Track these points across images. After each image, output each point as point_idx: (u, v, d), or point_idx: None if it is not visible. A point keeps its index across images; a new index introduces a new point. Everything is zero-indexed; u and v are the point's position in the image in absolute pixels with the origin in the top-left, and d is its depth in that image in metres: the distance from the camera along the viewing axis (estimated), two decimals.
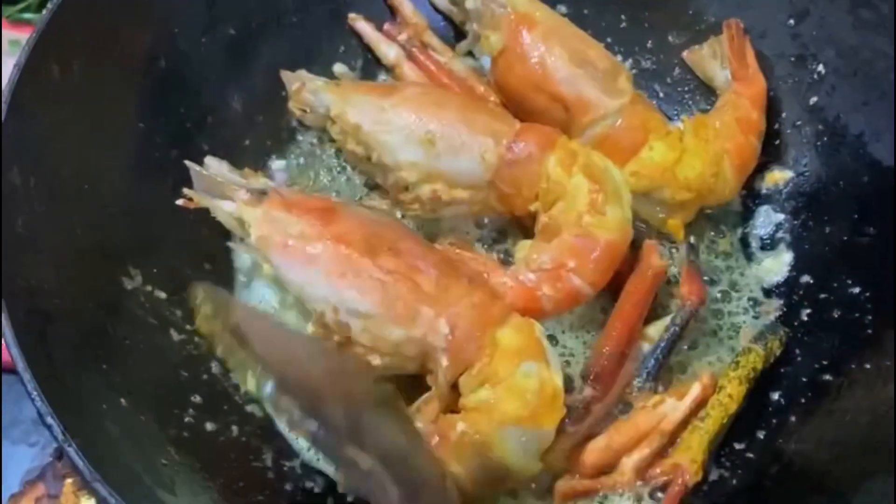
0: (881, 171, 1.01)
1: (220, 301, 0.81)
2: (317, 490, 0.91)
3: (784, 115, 1.12)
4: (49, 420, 0.71)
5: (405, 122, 0.99)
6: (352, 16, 1.18)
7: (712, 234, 1.11)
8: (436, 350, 0.86)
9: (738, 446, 0.96)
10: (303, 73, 1.08)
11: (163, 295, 0.98)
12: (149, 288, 0.97)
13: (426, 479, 0.79)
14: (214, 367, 0.97)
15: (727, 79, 1.13)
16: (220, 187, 0.94)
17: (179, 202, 0.95)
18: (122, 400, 0.84)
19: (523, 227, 1.05)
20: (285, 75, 1.07)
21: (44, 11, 0.91)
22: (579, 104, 1.04)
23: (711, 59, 1.16)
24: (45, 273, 0.84)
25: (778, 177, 1.12)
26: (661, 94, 1.21)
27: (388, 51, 1.15)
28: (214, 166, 1.00)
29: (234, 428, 0.93)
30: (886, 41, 1.01)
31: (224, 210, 0.93)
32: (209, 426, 0.91)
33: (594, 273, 0.95)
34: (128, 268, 0.95)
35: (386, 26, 1.19)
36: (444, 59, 1.16)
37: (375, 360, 0.87)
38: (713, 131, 1.07)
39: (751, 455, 0.95)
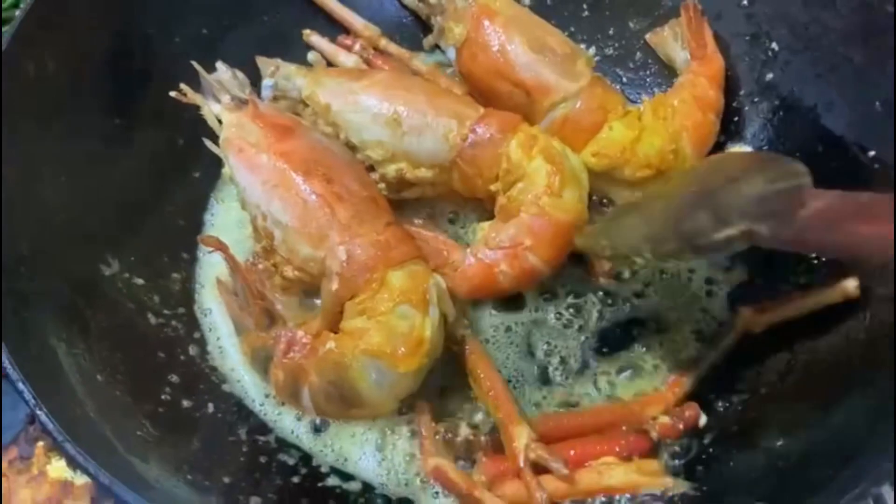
0: (834, 140, 1.04)
1: None
2: (290, 462, 0.94)
3: (741, 92, 1.15)
4: (20, 386, 0.75)
5: (373, 103, 1.04)
6: (306, 32, 1.22)
7: None
8: (331, 273, 0.93)
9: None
10: (277, 59, 1.13)
11: (140, 281, 1.02)
12: (126, 275, 1.01)
13: None
14: (192, 349, 1.01)
15: (687, 59, 1.16)
16: (213, 91, 1.06)
17: (172, 94, 1.03)
18: (98, 376, 0.88)
19: (478, 210, 1.10)
20: (260, 60, 1.12)
21: (17, 10, 0.95)
22: (540, 88, 1.08)
23: (672, 41, 1.19)
24: (22, 257, 0.88)
25: (737, 151, 1.14)
26: (625, 79, 1.24)
27: (347, 60, 1.19)
28: (221, 70, 1.07)
29: (210, 405, 0.96)
30: (833, 16, 1.04)
31: (209, 109, 1.05)
32: (185, 403, 0.94)
33: (550, 251, 1.00)
34: (105, 255, 0.99)
35: (339, 38, 1.23)
36: (403, 60, 1.21)
37: (288, 272, 0.96)
38: (672, 109, 1.10)
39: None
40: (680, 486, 0.90)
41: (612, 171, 1.07)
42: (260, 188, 0.97)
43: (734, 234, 0.79)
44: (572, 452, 0.91)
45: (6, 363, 0.76)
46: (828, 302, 0.94)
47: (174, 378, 0.96)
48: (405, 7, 1.26)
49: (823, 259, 1.00)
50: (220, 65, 1.08)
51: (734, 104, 1.16)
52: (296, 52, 1.21)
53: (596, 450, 0.92)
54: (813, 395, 0.91)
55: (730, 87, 1.15)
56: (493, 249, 1.01)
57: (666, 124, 1.09)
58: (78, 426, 0.77)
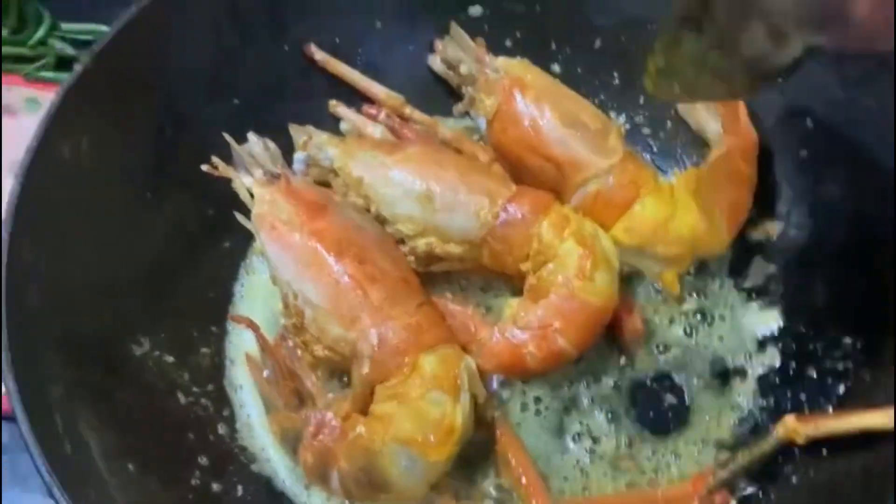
0: (870, 224, 1.02)
1: None
2: None
3: (774, 168, 1.14)
4: (56, 493, 0.75)
5: (405, 178, 1.04)
6: (332, 103, 1.21)
7: (704, 284, 1.13)
8: (362, 356, 0.93)
9: None
10: (309, 127, 1.13)
11: (170, 359, 1.02)
12: (157, 353, 1.01)
13: None
14: (221, 428, 1.01)
15: (719, 131, 1.15)
16: (245, 163, 1.05)
17: (204, 168, 1.03)
18: (130, 465, 0.88)
19: (509, 284, 1.09)
20: (293, 128, 1.11)
21: (55, 92, 0.96)
22: (571, 164, 1.07)
23: (704, 112, 1.17)
24: (54, 345, 0.88)
25: (769, 228, 1.14)
26: (655, 149, 1.24)
27: (374, 131, 1.18)
28: (253, 142, 1.07)
29: (240, 487, 0.96)
30: (872, 98, 1.03)
31: (241, 182, 1.04)
32: (215, 487, 0.94)
33: (580, 335, 0.99)
34: (136, 335, 0.99)
35: (364, 108, 1.22)
36: (428, 126, 1.20)
37: (318, 351, 0.96)
38: (705, 185, 1.09)
39: None
40: None
41: (644, 248, 1.06)
42: (292, 267, 0.98)
43: (797, 54, 0.75)
44: None
45: (41, 467, 0.76)
46: (877, 427, 0.89)
47: (204, 460, 0.96)
48: (434, 74, 1.25)
49: (858, 345, 0.99)
50: (251, 136, 1.08)
51: (766, 179, 1.14)
52: (326, 122, 1.20)
53: None
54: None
55: (762, 161, 1.14)
56: (521, 329, 1.00)
57: (699, 200, 1.07)
58: None
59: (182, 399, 1.00)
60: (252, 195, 1.04)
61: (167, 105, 1.08)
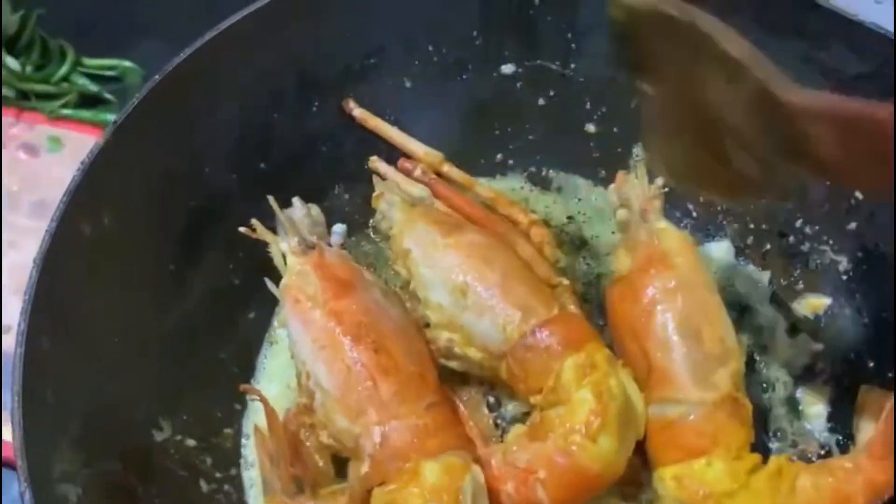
0: None
1: None
2: None
3: (822, 237, 1.10)
4: None
5: (448, 265, 0.98)
6: (373, 158, 1.18)
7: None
8: (363, 453, 0.88)
9: None
10: (396, 180, 1.12)
11: (192, 442, 0.98)
12: (178, 437, 0.96)
13: None
14: None
15: (864, 442, 0.95)
16: (284, 229, 1.01)
17: (242, 230, 1.00)
18: None
19: None
20: (377, 180, 1.10)
21: (77, 169, 0.92)
22: (661, 376, 0.94)
23: (869, 415, 0.97)
24: (72, 444, 0.84)
25: (816, 304, 1.09)
26: (695, 213, 1.19)
27: (414, 190, 1.14)
28: (297, 207, 1.03)
29: None
30: None
31: (278, 248, 1.00)
32: None
33: (560, 494, 0.90)
34: (157, 418, 0.95)
35: (400, 162, 1.18)
36: (465, 185, 1.17)
37: (324, 437, 0.92)
38: (800, 489, 0.90)
39: None
40: None
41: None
42: (308, 345, 0.93)
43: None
44: None
45: None
46: None
47: None
48: (466, 135, 1.21)
49: None
50: (296, 201, 1.03)
51: (813, 247, 1.10)
52: (357, 182, 1.17)
53: None
54: None
55: (809, 230, 1.10)
56: (506, 465, 0.92)
57: (779, 498, 0.89)
58: None
59: (204, 487, 0.96)
60: (286, 262, 1.00)
61: (193, 175, 1.04)
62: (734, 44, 0.73)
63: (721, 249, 1.17)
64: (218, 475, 0.98)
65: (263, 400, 0.94)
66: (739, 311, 1.12)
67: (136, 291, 0.98)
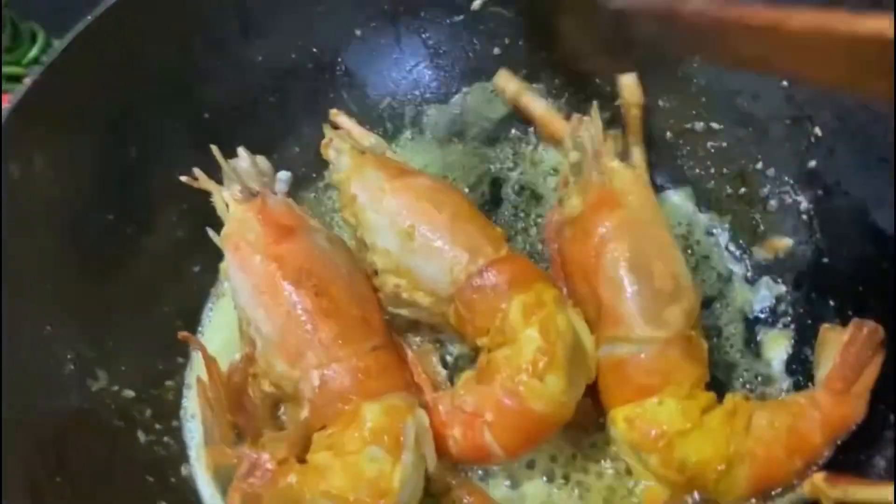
0: (885, 240, 0.94)
1: None
2: None
3: (783, 178, 1.07)
4: None
5: (395, 208, 0.95)
6: (333, 112, 1.14)
7: (712, 306, 1.05)
8: (302, 398, 0.86)
9: None
10: (348, 128, 1.09)
11: (131, 393, 0.94)
12: (116, 388, 0.93)
13: None
14: (185, 469, 0.93)
15: (822, 378, 0.92)
16: (228, 179, 0.98)
17: (184, 179, 0.97)
18: None
19: None
20: (328, 128, 1.07)
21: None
22: (611, 315, 0.91)
23: (830, 344, 0.93)
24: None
25: (777, 245, 1.06)
26: (654, 160, 1.15)
27: (368, 140, 1.09)
28: (242, 157, 1.01)
29: None
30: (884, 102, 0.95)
31: (220, 197, 0.97)
32: None
33: (510, 437, 0.87)
34: (93, 369, 0.92)
35: None
36: None
37: (265, 385, 0.90)
38: (756, 427, 0.87)
39: None
40: None
41: (637, 448, 0.88)
42: (249, 291, 0.91)
43: None
44: None
45: None
46: None
47: None
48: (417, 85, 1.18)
49: None
50: (241, 151, 1.01)
51: (774, 191, 1.07)
52: (307, 137, 1.14)
53: None
54: None
55: (769, 173, 1.07)
56: (453, 409, 0.89)
57: (733, 437, 0.86)
58: None
59: (143, 438, 0.93)
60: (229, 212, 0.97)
61: (132, 122, 1.01)
62: None
63: (682, 196, 1.14)
64: (158, 426, 0.95)
65: (202, 349, 0.91)
66: (699, 259, 1.09)
67: (69, 240, 0.94)
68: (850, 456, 0.88)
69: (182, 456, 0.95)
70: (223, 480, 0.90)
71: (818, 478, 0.84)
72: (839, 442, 0.88)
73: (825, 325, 0.95)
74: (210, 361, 0.91)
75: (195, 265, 1.06)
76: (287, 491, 0.82)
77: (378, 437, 0.82)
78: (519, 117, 1.19)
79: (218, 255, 1.01)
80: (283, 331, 0.88)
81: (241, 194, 0.97)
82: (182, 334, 0.94)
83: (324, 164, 1.08)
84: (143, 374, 0.97)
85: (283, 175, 1.03)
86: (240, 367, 0.92)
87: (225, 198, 0.98)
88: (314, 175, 1.16)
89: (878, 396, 0.88)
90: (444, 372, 0.99)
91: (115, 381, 0.93)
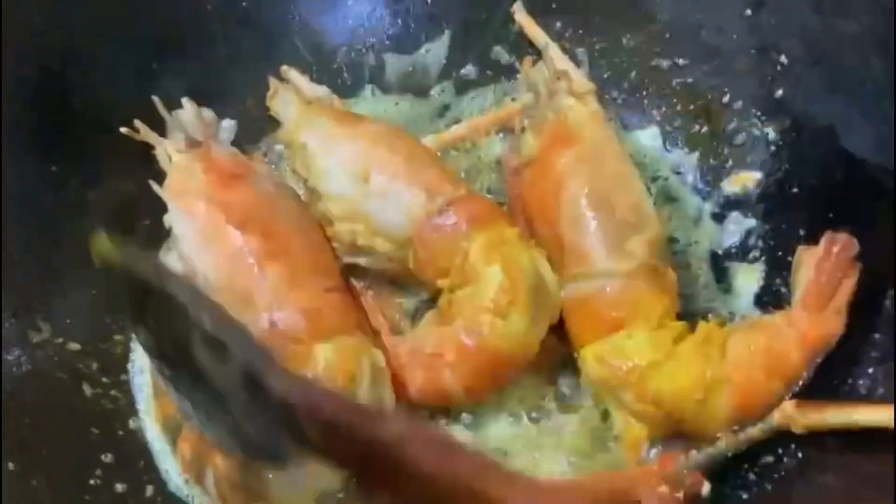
0: (855, 164, 0.91)
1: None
2: None
3: (750, 110, 1.03)
4: None
5: (348, 153, 0.93)
6: (284, 68, 1.11)
7: (681, 244, 1.01)
8: None
9: None
10: (290, 83, 1.06)
11: (76, 346, 0.91)
12: (59, 340, 0.90)
13: None
14: (133, 423, 0.90)
15: (797, 297, 0.88)
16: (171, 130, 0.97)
17: (124, 131, 0.95)
18: (10, 464, 0.77)
19: None
20: (273, 79, 1.05)
21: None
22: (574, 253, 0.88)
23: (808, 259, 0.89)
24: None
25: (746, 179, 1.02)
26: (620, 101, 1.12)
27: (316, 91, 1.08)
28: (186, 108, 0.98)
29: (149, 488, 0.85)
30: (848, 24, 0.92)
31: (163, 149, 0.96)
32: (119, 487, 0.83)
33: (470, 378, 0.84)
34: (34, 319, 0.89)
35: None
36: None
37: None
38: (731, 351, 0.84)
39: None
40: None
41: (610, 386, 0.85)
42: (194, 239, 0.89)
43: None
44: None
45: None
46: (883, 424, 0.76)
47: (108, 458, 0.85)
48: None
49: None
50: (185, 101, 0.99)
51: (741, 124, 1.04)
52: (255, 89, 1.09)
53: None
54: None
55: (735, 106, 1.04)
56: (413, 351, 0.87)
57: (709, 364, 0.82)
58: None
59: (88, 391, 0.89)
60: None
61: (73, 73, 0.98)
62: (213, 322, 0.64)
63: (649, 137, 1.10)
64: (105, 380, 0.91)
65: None
66: (667, 198, 1.05)
67: (11, 193, 0.91)
68: (832, 380, 0.84)
69: (130, 409, 0.91)
70: (172, 432, 0.87)
71: (788, 405, 0.81)
72: (819, 360, 0.84)
73: (801, 247, 0.91)
74: None
75: (144, 219, 1.02)
76: None
77: (331, 376, 0.80)
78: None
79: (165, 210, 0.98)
80: (231, 276, 0.86)
81: (185, 144, 0.95)
82: None
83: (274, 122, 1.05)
84: (90, 329, 0.93)
85: (228, 123, 1.01)
86: None
87: (168, 150, 0.96)
88: (265, 128, 1.12)
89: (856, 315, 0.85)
90: (400, 316, 0.96)
91: (58, 333, 0.90)
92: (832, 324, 0.84)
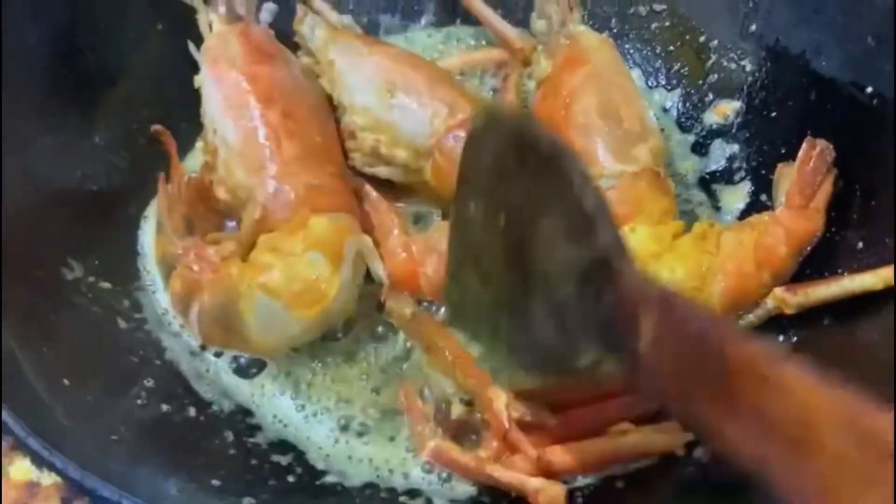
0: (827, 84, 0.99)
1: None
2: (284, 462, 0.86)
3: (726, 46, 1.11)
4: None
5: (374, 68, 1.01)
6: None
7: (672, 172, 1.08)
8: (256, 201, 0.91)
9: None
10: (321, 10, 1.11)
11: (107, 286, 0.94)
12: (91, 279, 0.93)
13: None
14: (168, 353, 0.93)
15: (781, 200, 0.95)
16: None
17: None
18: (65, 380, 0.80)
19: None
20: (301, 6, 1.10)
21: None
22: (584, 159, 0.87)
23: (788, 169, 0.96)
24: None
25: (726, 109, 1.10)
26: None
27: (341, 20, 1.12)
28: None
29: (191, 409, 0.88)
30: None
31: (205, 17, 1.04)
32: (164, 407, 0.86)
33: None
34: (67, 259, 0.92)
35: None
36: None
37: (220, 192, 0.94)
38: (724, 247, 0.90)
39: None
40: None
41: None
42: (219, 102, 0.97)
43: (592, 363, 0.65)
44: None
45: None
46: (868, 288, 0.84)
47: (150, 382, 0.88)
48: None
49: None
50: None
51: (718, 60, 1.12)
52: None
53: (601, 415, 0.83)
54: None
55: (711, 43, 1.12)
56: (427, 248, 0.93)
57: (704, 256, 0.89)
58: (44, 425, 0.69)
59: (122, 324, 0.92)
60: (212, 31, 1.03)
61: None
62: (590, 198, 0.62)
63: (633, 78, 1.16)
64: (137, 316, 0.94)
65: (168, 140, 0.96)
66: None
67: (40, 134, 0.95)
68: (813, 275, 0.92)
69: (163, 346, 0.94)
70: (169, 270, 0.90)
71: (778, 290, 0.88)
72: (803, 255, 0.92)
73: (781, 164, 0.99)
74: (175, 159, 0.96)
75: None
76: (226, 279, 0.85)
77: (321, 245, 0.88)
78: None
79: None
80: (248, 141, 0.94)
81: (227, 16, 1.03)
82: (156, 127, 0.97)
83: None
84: (118, 271, 0.96)
85: (270, 6, 1.08)
86: (200, 176, 0.97)
87: (210, 17, 1.03)
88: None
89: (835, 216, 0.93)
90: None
91: (90, 273, 0.93)
92: (814, 220, 0.92)
